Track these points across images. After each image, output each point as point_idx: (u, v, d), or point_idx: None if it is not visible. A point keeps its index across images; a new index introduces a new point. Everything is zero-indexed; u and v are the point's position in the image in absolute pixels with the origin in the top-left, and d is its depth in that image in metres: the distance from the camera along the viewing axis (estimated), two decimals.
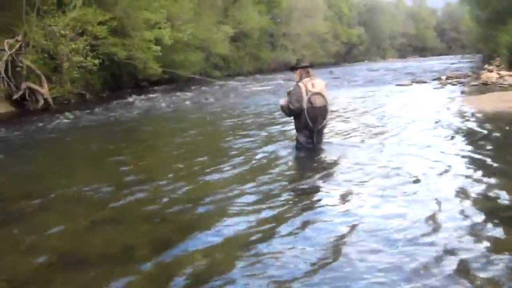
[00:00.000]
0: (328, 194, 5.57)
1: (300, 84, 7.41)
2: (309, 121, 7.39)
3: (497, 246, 3.81)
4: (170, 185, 6.27)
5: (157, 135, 12.08)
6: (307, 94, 7.30)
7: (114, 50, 26.05)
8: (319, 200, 5.37)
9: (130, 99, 22.32)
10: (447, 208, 4.75)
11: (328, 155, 7.58)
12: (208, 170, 7.00)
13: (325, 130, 8.12)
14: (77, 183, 6.77)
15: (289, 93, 7.50)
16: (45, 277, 3.87)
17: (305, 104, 7.30)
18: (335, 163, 7.00)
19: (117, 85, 29.34)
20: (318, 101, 7.36)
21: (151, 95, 24.25)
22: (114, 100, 22.48)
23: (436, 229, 4.24)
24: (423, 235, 4.11)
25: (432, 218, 4.49)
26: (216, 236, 4.39)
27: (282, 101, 7.67)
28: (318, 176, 6.34)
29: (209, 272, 3.69)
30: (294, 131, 7.95)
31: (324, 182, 6.08)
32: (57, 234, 4.76)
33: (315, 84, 7.45)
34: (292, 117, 7.77)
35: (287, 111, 7.56)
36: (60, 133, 12.93)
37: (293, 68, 7.82)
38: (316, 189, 5.81)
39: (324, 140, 8.13)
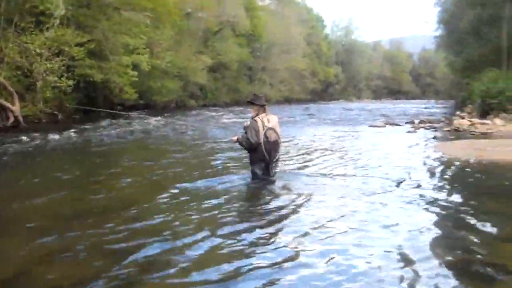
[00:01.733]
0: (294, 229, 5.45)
1: (257, 119, 7.68)
2: (266, 154, 7.66)
3: None
4: (133, 217, 6.08)
5: (122, 162, 11.81)
6: (263, 129, 7.60)
7: (90, 72, 25.79)
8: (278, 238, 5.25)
9: (103, 123, 22.07)
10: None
11: (288, 190, 7.63)
12: (170, 203, 6.88)
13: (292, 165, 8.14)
14: (37, 209, 6.57)
15: (247, 127, 7.71)
16: None
17: (261, 138, 7.57)
18: (295, 199, 6.99)
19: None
20: (272, 136, 7.66)
21: (124, 120, 23.99)
22: (87, 123, 22.17)
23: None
24: None
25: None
26: (178, 275, 4.21)
27: (235, 137, 7.85)
28: (277, 210, 6.29)
29: None
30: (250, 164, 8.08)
31: (284, 218, 6.00)
32: (12, 262, 4.54)
33: (270, 119, 7.77)
34: (247, 151, 7.92)
35: (247, 145, 7.65)
36: (25, 153, 12.62)
37: (250, 103, 7.96)
38: (277, 226, 5.70)
39: (288, 174, 8.66)
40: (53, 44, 22.13)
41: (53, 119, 23.31)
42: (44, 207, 6.76)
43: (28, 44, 20.93)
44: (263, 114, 7.73)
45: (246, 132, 7.66)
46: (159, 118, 25.47)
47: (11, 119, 19.78)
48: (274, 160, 7.89)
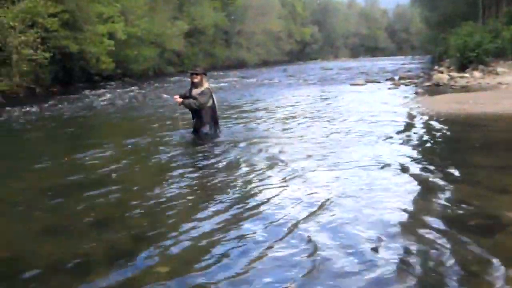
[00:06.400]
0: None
1: (209, 86, 9.22)
2: (215, 115, 9.28)
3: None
4: (121, 188, 6.04)
5: (107, 134, 11.72)
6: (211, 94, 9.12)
7: (66, 43, 25.36)
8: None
9: (81, 94, 21.81)
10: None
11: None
12: (153, 170, 7.02)
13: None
14: (25, 186, 6.44)
15: (202, 94, 8.93)
16: None
17: (211, 102, 9.07)
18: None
19: (69, 80, 28.61)
20: (215, 101, 9.23)
21: (102, 90, 23.73)
22: (64, 95, 21.90)
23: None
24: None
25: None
26: (175, 243, 4.22)
27: (179, 99, 9.09)
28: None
29: (172, 285, 3.53)
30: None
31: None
32: (5, 242, 4.48)
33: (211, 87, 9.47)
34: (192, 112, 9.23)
35: (195, 106, 8.90)
36: (6, 130, 12.46)
37: (196, 74, 9.08)
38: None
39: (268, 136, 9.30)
40: (26, 16, 21.64)
41: (30, 93, 22.99)
42: (29, 183, 6.65)
43: (0, 17, 20.43)
44: (207, 83, 9.24)
45: (196, 98, 8.86)
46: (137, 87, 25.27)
47: None
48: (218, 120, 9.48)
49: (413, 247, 3.91)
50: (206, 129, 9.14)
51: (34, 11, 21.87)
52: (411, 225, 4.43)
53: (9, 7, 20.93)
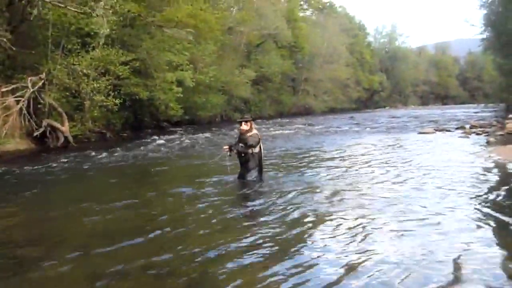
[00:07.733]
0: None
1: (257, 132, 9.46)
2: (261, 161, 9.56)
3: None
4: (177, 235, 5.99)
5: (168, 179, 11.78)
6: (259, 140, 9.40)
7: (136, 90, 26.19)
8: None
9: (149, 140, 22.27)
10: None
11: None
12: (207, 220, 6.82)
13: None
14: (85, 230, 6.53)
15: (252, 136, 9.23)
16: None
17: (258, 148, 9.37)
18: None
19: (138, 125, 29.47)
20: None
21: (170, 137, 24.15)
22: (134, 140, 22.44)
23: None
24: None
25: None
26: None
27: (226, 147, 9.50)
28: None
29: None
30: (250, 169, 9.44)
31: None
32: (63, 285, 4.47)
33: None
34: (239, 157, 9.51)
35: (245, 150, 9.21)
36: (76, 173, 12.75)
37: (245, 121, 9.49)
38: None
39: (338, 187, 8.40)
40: (99, 64, 22.58)
41: (101, 137, 23.76)
42: (91, 226, 6.71)
43: (75, 65, 21.38)
44: (255, 129, 9.49)
45: (246, 143, 9.17)
46: (207, 133, 25.63)
47: (61, 140, 20.21)
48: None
49: None
50: (252, 175, 9.43)
51: (106, 59, 22.79)
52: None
53: (83, 56, 21.86)
